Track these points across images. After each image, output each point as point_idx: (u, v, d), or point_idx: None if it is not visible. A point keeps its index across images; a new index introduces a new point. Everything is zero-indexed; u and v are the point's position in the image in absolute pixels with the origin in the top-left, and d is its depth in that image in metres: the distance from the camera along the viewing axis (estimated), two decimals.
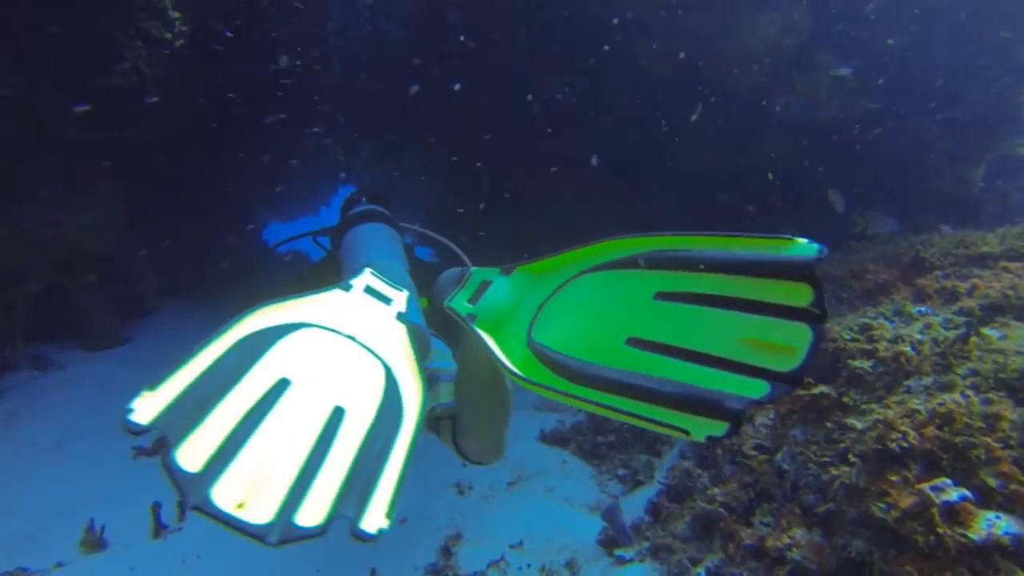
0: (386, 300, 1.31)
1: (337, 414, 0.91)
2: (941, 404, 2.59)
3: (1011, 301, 3.25)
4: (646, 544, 3.21)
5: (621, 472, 4.10)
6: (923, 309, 3.40)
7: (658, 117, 7.10)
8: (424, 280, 3.43)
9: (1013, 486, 2.21)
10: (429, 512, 4.21)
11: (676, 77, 6.43)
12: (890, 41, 5.96)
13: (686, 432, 0.90)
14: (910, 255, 3.79)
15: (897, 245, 4.08)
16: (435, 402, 2.17)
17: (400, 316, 1.27)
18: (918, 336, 3.03)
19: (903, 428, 2.53)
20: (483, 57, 7.23)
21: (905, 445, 2.49)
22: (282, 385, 0.90)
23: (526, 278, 1.37)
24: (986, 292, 3.36)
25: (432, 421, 2.17)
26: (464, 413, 1.93)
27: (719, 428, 0.88)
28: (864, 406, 2.80)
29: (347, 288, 1.27)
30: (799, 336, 0.92)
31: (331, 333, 1.09)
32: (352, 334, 1.11)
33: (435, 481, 4.66)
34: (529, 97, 7.31)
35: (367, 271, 1.38)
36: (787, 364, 0.91)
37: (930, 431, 2.50)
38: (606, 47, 6.38)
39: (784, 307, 0.94)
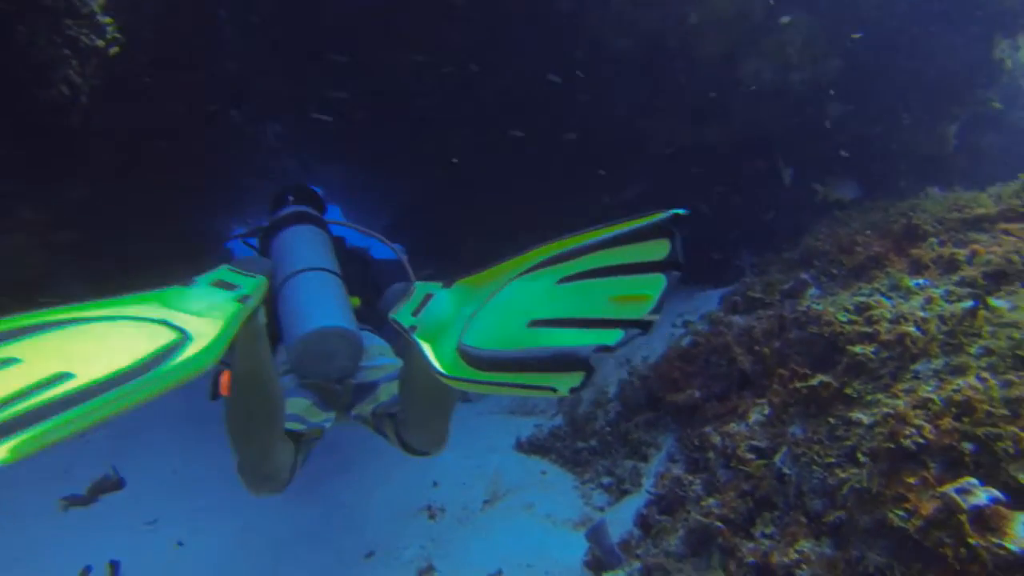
0: (231, 287, 1.39)
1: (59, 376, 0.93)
2: (956, 390, 2.34)
3: (1016, 266, 3.03)
4: (637, 564, 2.93)
5: (605, 480, 3.83)
6: (921, 282, 3.17)
7: (624, 93, 6.82)
8: (375, 275, 3.22)
9: None
10: (397, 542, 3.88)
11: (640, 48, 6.13)
12: None
13: (553, 389, 1.04)
14: (901, 223, 3.56)
15: (886, 212, 3.85)
16: (375, 402, 2.35)
17: (238, 296, 1.35)
18: (921, 313, 2.78)
19: (916, 421, 2.28)
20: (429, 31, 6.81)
21: (921, 441, 2.24)
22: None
23: (464, 290, 1.54)
24: (988, 258, 3.13)
25: (376, 419, 2.32)
26: (409, 410, 2.10)
27: (576, 379, 1.04)
28: (869, 397, 2.55)
29: (189, 283, 1.37)
30: (653, 285, 1.12)
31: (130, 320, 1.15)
32: (155, 317, 1.17)
33: (403, 506, 4.34)
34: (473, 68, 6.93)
35: (224, 267, 1.48)
36: (641, 311, 1.09)
37: (947, 423, 2.25)
38: (564, 19, 6.05)
39: (643, 263, 1.15)
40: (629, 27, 5.95)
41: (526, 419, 5.28)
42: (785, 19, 5.08)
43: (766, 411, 2.96)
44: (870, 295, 3.17)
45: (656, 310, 1.09)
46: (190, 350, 1.05)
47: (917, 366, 2.57)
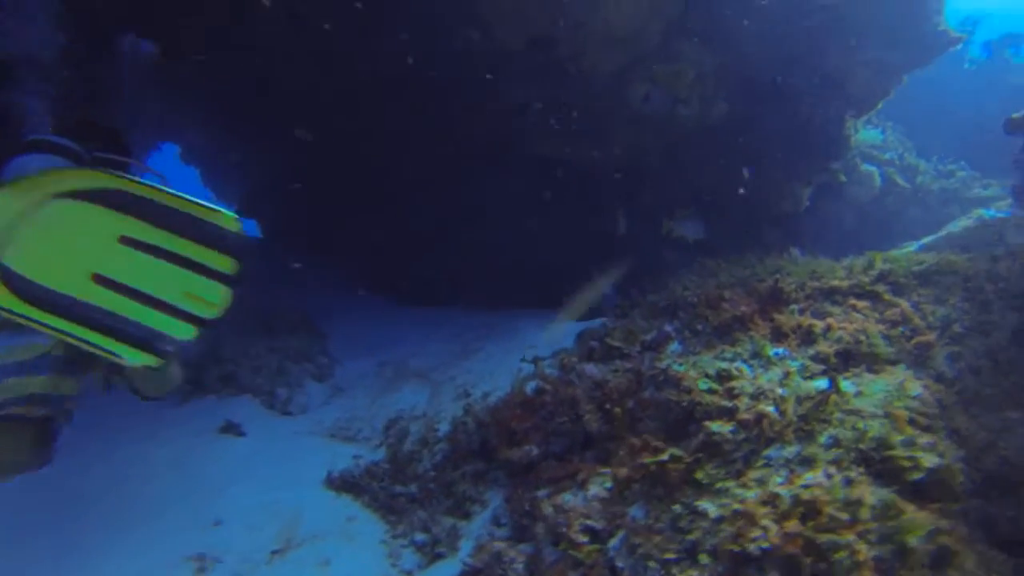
0: None
1: None
2: (806, 487, 2.22)
3: (862, 348, 3.10)
4: None
5: (419, 537, 3.40)
6: (781, 351, 3.14)
7: (504, 92, 6.53)
8: None
9: None
10: None
11: (529, 50, 5.85)
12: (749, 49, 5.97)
13: (120, 357, 1.38)
14: (768, 284, 3.56)
15: (753, 269, 3.87)
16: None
17: None
18: (779, 391, 2.70)
19: (763, 522, 2.12)
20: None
21: (765, 546, 2.07)
22: None
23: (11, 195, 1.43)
24: (839, 334, 3.18)
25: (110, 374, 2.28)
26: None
27: (149, 360, 1.41)
28: (720, 484, 2.37)
29: None
30: (216, 294, 1.42)
31: None
32: None
33: (164, 551, 3.57)
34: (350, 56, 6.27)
35: None
36: (208, 313, 1.42)
37: (792, 525, 2.12)
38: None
39: (214, 270, 1.41)
40: (520, 24, 5.65)
41: (346, 446, 4.70)
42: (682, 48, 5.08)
43: (608, 484, 2.71)
44: (732, 360, 3.08)
45: (216, 320, 1.41)
46: None
47: (770, 451, 2.45)
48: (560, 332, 5.42)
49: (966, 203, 10.88)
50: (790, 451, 2.42)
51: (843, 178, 7.83)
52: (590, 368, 3.25)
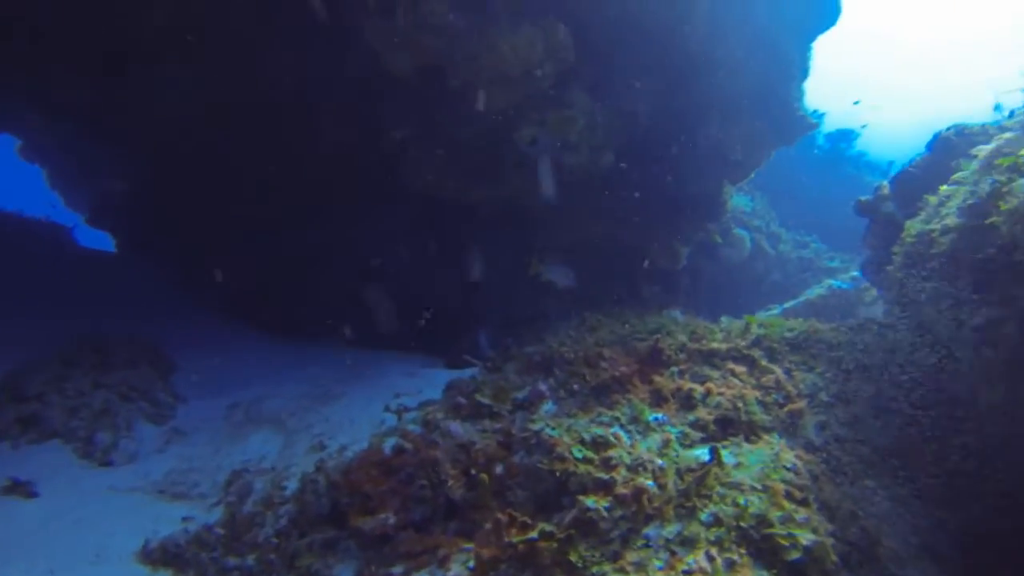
0: None
1: None
2: (687, 572, 2.05)
3: (740, 415, 3.07)
4: None
5: None
6: (660, 416, 3.04)
7: (391, 119, 6.27)
8: None
9: None
10: None
11: (420, 78, 5.64)
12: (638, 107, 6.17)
13: None
14: (648, 344, 3.49)
15: (634, 327, 3.81)
16: None
17: None
18: (658, 463, 2.56)
19: None
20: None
21: None
22: None
23: None
24: (718, 400, 3.15)
25: None
26: None
27: None
28: (595, 568, 2.14)
29: None
30: None
31: None
32: None
33: None
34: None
35: None
36: None
37: None
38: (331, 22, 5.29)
39: None
40: (411, 52, 5.44)
41: (176, 505, 3.99)
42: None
43: (471, 563, 2.40)
44: (609, 425, 2.92)
45: None
46: None
47: (649, 530, 2.28)
48: (428, 381, 5.09)
49: (818, 272, 12.00)
50: (670, 530, 2.26)
51: (719, 238, 8.29)
52: (455, 427, 2.96)
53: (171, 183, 8.10)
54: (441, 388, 4.76)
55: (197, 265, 8.54)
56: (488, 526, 2.55)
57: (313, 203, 7.56)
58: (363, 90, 6.05)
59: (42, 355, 4.96)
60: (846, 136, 15.96)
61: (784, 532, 2.20)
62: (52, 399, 4.22)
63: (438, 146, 6.03)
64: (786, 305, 8.45)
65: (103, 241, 10.95)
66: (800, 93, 6.89)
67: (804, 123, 6.39)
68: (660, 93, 5.94)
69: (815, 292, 8.34)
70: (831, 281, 8.39)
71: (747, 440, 2.92)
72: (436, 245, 7.13)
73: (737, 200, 10.76)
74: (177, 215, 8.50)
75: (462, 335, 8.06)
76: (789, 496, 2.43)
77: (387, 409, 4.19)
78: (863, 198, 5.54)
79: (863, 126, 16.57)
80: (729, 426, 3.04)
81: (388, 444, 3.05)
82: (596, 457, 2.60)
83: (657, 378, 3.35)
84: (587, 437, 2.75)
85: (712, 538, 2.24)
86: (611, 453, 2.60)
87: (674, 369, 3.44)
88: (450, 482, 2.68)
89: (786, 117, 6.45)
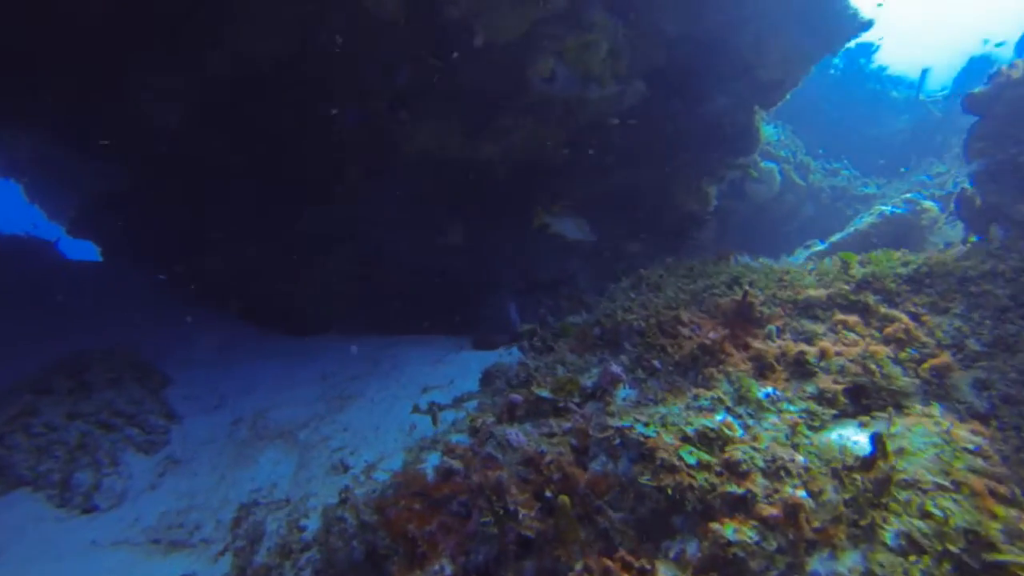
0: None
1: None
2: None
3: (876, 380, 2.40)
4: None
5: None
6: (770, 391, 2.38)
7: (381, 75, 5.50)
8: None
9: None
10: None
11: (410, 13, 4.84)
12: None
13: None
14: (733, 300, 2.80)
15: (708, 280, 3.11)
16: None
17: None
18: (800, 460, 1.90)
19: None
20: None
21: None
22: None
23: None
24: (840, 363, 2.48)
25: None
26: None
27: None
28: None
29: None
30: None
31: None
32: None
33: None
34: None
35: None
36: None
37: None
38: None
39: None
40: None
41: (173, 559, 3.38)
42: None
43: None
44: (712, 409, 2.26)
45: None
46: None
47: (817, 564, 1.63)
48: (458, 368, 4.45)
49: (852, 200, 11.21)
50: (848, 563, 1.61)
51: (755, 173, 7.52)
52: (515, 434, 2.32)
53: (153, 177, 7.43)
54: (475, 375, 4.13)
55: (187, 263, 7.89)
56: (579, 568, 1.92)
57: (304, 184, 6.86)
58: (348, 42, 5.28)
59: (15, 381, 4.35)
60: (865, 50, 14.89)
61: (1018, 558, 1.55)
62: (16, 440, 3.57)
63: (439, 99, 5.28)
64: (833, 239, 7.70)
65: (90, 251, 10.35)
66: None
67: (855, 22, 5.54)
68: (688, 5, 5.12)
69: (865, 221, 7.58)
70: (882, 207, 7.63)
71: (897, 411, 2.26)
72: (444, 211, 6.42)
73: (763, 130, 9.96)
74: (162, 211, 7.84)
75: (480, 307, 7.42)
76: (994, 494, 1.78)
77: (416, 410, 3.55)
78: (976, 90, 4.64)
79: (880, 38, 15.54)
80: (863, 396, 2.37)
81: (429, 464, 2.42)
82: (714, 461, 1.95)
83: (753, 341, 2.68)
84: (691, 431, 2.10)
85: (909, 568, 1.60)
86: (734, 453, 1.94)
87: (771, 328, 2.77)
88: (520, 512, 2.04)
89: (831, 16, 5.59)
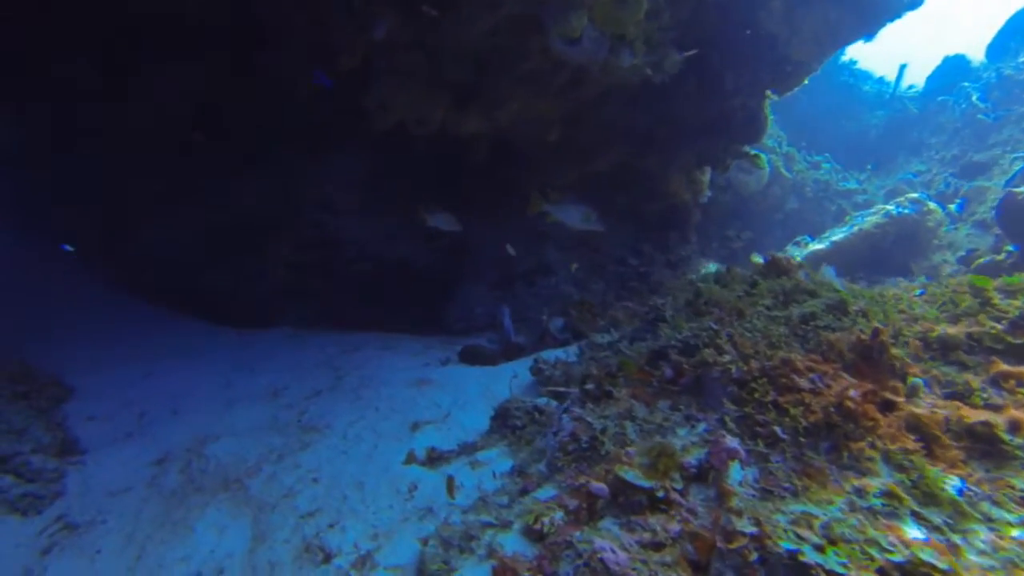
0: None
1: None
2: None
3: None
4: None
5: None
6: (960, 485, 1.70)
7: (352, 28, 4.57)
8: None
9: None
10: None
11: None
12: None
13: None
14: (858, 340, 2.11)
15: (802, 307, 2.39)
16: None
17: None
18: None
19: None
20: None
21: None
22: None
23: None
24: None
25: None
26: None
27: None
28: None
29: None
30: None
31: None
32: None
33: None
34: None
35: None
36: None
37: None
38: None
39: None
40: None
41: None
42: None
43: None
44: (896, 516, 1.56)
45: None
46: None
47: None
48: (452, 393, 3.62)
49: (835, 196, 10.90)
50: None
51: (763, 164, 6.94)
52: (609, 551, 1.56)
53: (70, 133, 6.23)
54: (476, 403, 3.35)
55: (106, 239, 6.71)
56: None
57: (251, 153, 5.87)
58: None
59: None
60: None
61: None
62: None
63: (424, 61, 4.40)
64: (835, 238, 7.23)
65: None
66: None
67: (897, 3, 4.95)
68: None
69: (869, 220, 7.14)
70: (888, 206, 7.21)
71: None
72: (410, 192, 5.55)
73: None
74: (77, 174, 6.63)
75: (450, 302, 6.63)
76: None
77: (411, 459, 2.74)
78: None
79: None
80: None
81: None
82: None
83: (895, 398, 2.01)
84: (895, 561, 1.39)
85: None
86: None
87: (915, 380, 2.10)
88: None
89: None
